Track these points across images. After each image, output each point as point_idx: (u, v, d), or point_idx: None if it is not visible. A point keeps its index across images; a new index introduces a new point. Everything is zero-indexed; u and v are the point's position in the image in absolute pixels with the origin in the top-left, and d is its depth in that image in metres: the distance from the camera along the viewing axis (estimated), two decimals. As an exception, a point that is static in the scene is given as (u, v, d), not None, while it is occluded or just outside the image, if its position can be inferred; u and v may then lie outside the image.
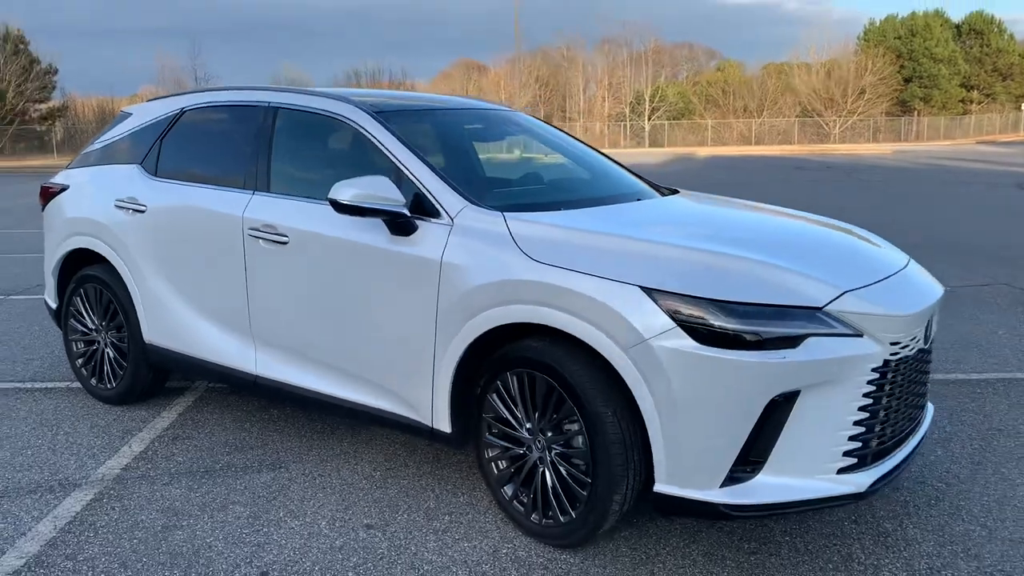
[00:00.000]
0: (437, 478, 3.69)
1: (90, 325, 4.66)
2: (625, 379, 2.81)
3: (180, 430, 4.27)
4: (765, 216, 3.86)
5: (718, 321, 2.69)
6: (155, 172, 4.39)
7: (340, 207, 3.29)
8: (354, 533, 3.21)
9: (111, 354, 4.58)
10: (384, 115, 3.72)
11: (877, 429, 2.88)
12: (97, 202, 4.53)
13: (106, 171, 4.64)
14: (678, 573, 2.94)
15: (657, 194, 4.22)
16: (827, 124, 61.30)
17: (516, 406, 3.15)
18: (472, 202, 3.32)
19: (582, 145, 4.66)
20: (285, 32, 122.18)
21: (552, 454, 3.06)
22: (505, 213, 3.24)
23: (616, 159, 4.69)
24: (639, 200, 3.91)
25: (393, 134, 3.59)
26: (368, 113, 3.71)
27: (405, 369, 3.39)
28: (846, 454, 2.81)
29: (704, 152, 49.53)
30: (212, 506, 3.43)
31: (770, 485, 2.77)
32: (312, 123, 3.92)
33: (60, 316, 4.84)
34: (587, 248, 3.00)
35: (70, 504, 3.46)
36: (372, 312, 3.47)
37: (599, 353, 2.85)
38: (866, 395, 2.81)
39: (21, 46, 53.41)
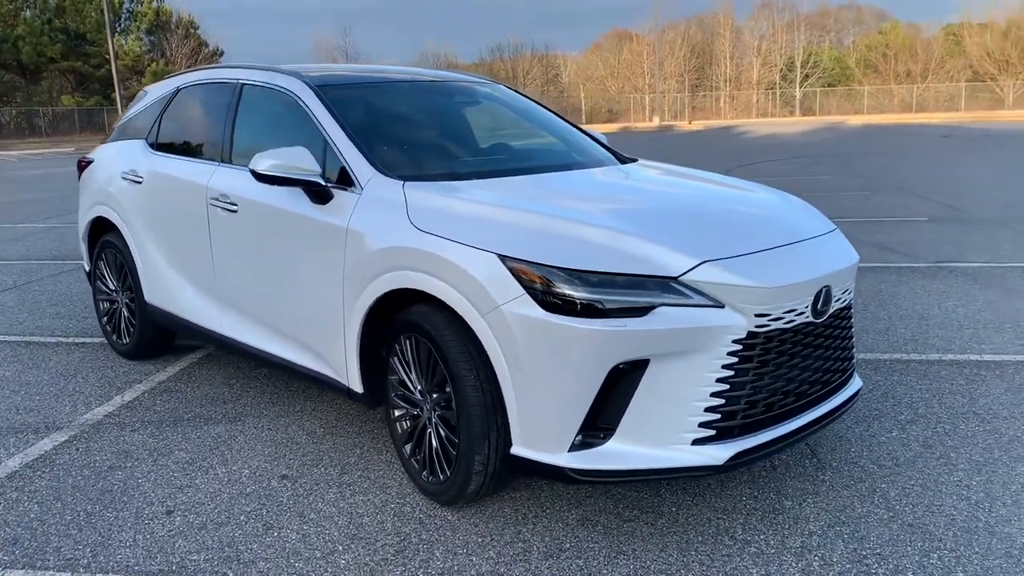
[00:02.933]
0: (372, 437, 3.87)
1: (111, 287, 5.13)
2: (483, 344, 2.88)
3: (173, 383, 4.66)
4: (684, 185, 3.80)
5: (564, 289, 2.72)
6: (155, 146, 4.77)
7: (259, 176, 3.49)
8: (267, 482, 3.45)
9: (125, 313, 5.03)
10: (324, 89, 3.89)
11: (742, 402, 2.82)
12: (111, 174, 4.97)
13: (122, 146, 5.08)
14: (546, 535, 3.00)
15: (616, 163, 4.22)
16: (1001, 89, 56.67)
17: (410, 370, 3.27)
18: (382, 172, 3.44)
19: (551, 115, 4.69)
20: (437, 7, 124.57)
21: (435, 415, 3.17)
22: (405, 182, 3.35)
23: (589, 131, 4.68)
24: (570, 169, 3.92)
25: (326, 107, 3.75)
26: (310, 87, 3.88)
27: (324, 332, 3.58)
28: (702, 425, 2.77)
29: (857, 120, 47.04)
30: (159, 451, 3.76)
31: (620, 452, 2.78)
32: (267, 98, 4.15)
33: (91, 278, 5.35)
34: (461, 217, 3.07)
35: (44, 444, 3.88)
36: (298, 277, 3.67)
37: (464, 319, 2.94)
38: (727, 367, 2.76)
39: (191, 30, 57.44)
